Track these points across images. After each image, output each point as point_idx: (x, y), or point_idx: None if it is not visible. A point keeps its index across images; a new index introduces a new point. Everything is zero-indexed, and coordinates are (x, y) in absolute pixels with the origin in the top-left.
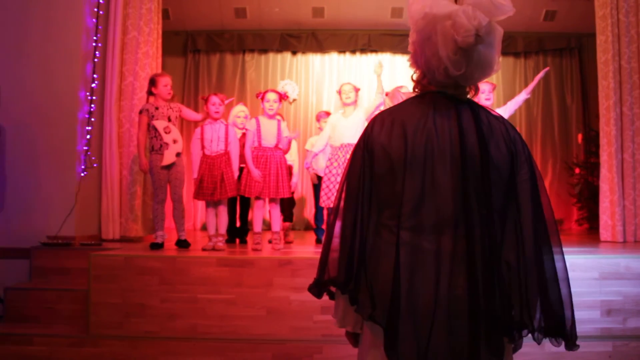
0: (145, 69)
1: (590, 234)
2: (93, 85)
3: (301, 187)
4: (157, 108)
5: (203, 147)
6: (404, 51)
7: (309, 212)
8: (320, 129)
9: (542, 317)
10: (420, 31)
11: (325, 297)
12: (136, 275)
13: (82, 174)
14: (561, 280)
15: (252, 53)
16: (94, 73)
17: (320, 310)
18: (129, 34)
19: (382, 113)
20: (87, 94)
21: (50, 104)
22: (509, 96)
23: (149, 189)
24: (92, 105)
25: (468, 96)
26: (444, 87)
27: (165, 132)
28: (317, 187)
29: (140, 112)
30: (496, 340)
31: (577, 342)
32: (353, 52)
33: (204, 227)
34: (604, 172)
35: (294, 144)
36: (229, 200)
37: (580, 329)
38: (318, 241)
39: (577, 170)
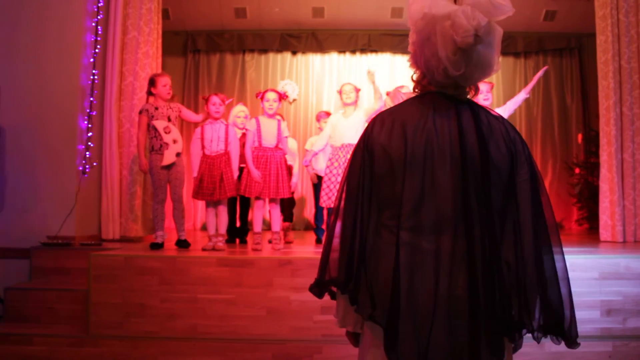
0: (145, 69)
1: (590, 234)
2: (93, 85)
3: (301, 187)
4: (156, 108)
5: (203, 147)
6: (404, 51)
7: (309, 212)
8: (320, 129)
9: (542, 316)
10: (420, 31)
11: (326, 297)
12: (136, 275)
13: (82, 174)
14: (561, 279)
15: (252, 53)
16: (94, 73)
17: (320, 310)
18: (129, 34)
19: (382, 113)
20: (87, 94)
21: (50, 104)
22: (509, 96)
23: (149, 189)
24: (92, 105)
25: (468, 96)
26: (444, 88)
27: (165, 132)
28: (317, 187)
29: (140, 112)
30: (496, 340)
31: (577, 341)
32: (353, 52)
33: (204, 227)
34: (603, 172)
35: (294, 145)
36: (229, 200)
37: (580, 329)
38: (318, 241)
39: (577, 170)
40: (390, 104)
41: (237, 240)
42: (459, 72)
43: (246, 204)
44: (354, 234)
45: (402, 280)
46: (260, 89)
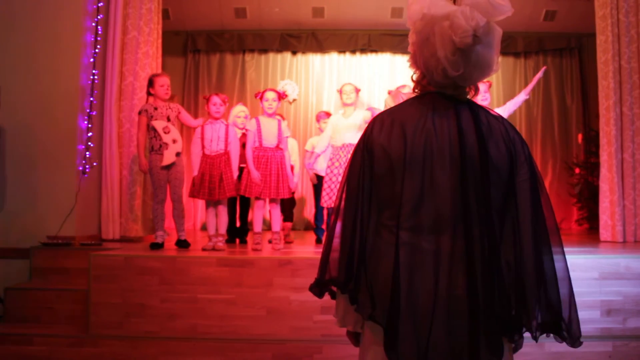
0: (145, 69)
1: (590, 234)
2: (93, 85)
3: (301, 187)
4: (156, 108)
5: (203, 147)
6: (404, 51)
7: (309, 212)
8: (320, 129)
9: (540, 316)
10: (419, 32)
11: (326, 297)
12: (136, 275)
13: (82, 174)
14: (561, 279)
15: (252, 53)
16: (93, 73)
17: (320, 310)
18: (129, 34)
19: (382, 113)
20: (87, 94)
21: (50, 104)
22: (509, 96)
23: (149, 189)
24: (92, 105)
25: (468, 96)
26: (443, 88)
27: (165, 132)
28: (317, 187)
29: (140, 112)
30: (495, 339)
31: (580, 340)
32: (353, 52)
33: (204, 227)
34: (604, 172)
35: (294, 145)
36: (229, 200)
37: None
38: (318, 241)
39: (577, 170)
40: (390, 103)
41: (237, 240)
42: (458, 72)
43: (246, 204)
44: (354, 234)
45: (401, 280)
46: (260, 89)
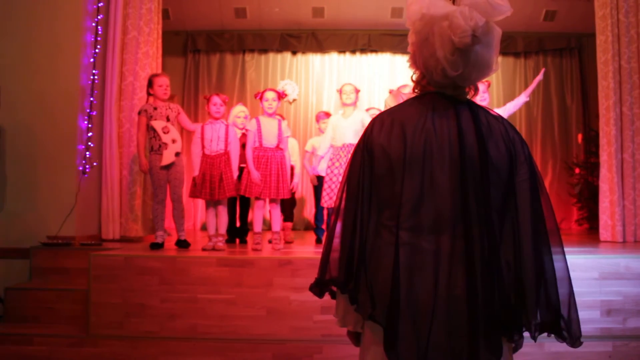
0: (145, 69)
1: (590, 234)
2: (93, 85)
3: (301, 187)
4: (155, 108)
5: (203, 147)
6: (404, 51)
7: (309, 212)
8: (320, 129)
9: (540, 316)
10: (418, 32)
11: (326, 297)
12: (136, 275)
13: (82, 174)
14: (561, 279)
15: (252, 53)
16: (94, 73)
17: (320, 310)
18: (129, 34)
19: (382, 114)
20: (87, 94)
21: (50, 104)
22: (508, 96)
23: (149, 189)
24: (92, 105)
25: (467, 96)
26: (443, 88)
27: (164, 132)
28: (317, 187)
29: (139, 112)
30: (495, 339)
31: (580, 340)
32: (353, 52)
33: (204, 227)
34: (603, 172)
35: (295, 145)
36: (228, 200)
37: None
38: (318, 241)
39: (577, 170)
40: (390, 103)
41: (237, 240)
42: (457, 72)
43: (246, 204)
44: (354, 234)
45: (401, 280)
46: (260, 89)
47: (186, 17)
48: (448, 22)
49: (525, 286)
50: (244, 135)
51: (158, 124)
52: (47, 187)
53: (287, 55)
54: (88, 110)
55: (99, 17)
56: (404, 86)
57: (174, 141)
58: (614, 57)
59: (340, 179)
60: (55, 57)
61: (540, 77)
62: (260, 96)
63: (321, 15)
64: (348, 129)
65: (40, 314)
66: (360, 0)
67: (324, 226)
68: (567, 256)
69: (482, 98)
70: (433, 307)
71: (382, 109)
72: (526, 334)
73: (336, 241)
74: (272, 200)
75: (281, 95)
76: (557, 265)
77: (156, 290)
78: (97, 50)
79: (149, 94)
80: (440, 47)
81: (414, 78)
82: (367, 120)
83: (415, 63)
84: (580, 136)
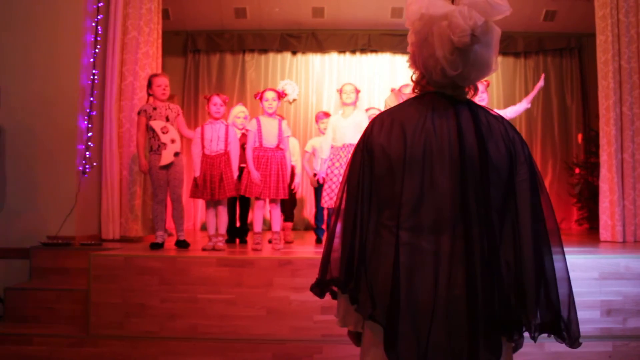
0: (145, 69)
1: (590, 234)
2: (93, 85)
3: (301, 187)
4: (155, 108)
5: (203, 147)
6: (403, 51)
7: (309, 212)
8: (320, 130)
9: (540, 316)
10: (418, 32)
11: (326, 297)
12: (136, 275)
13: (82, 174)
14: (560, 279)
15: (252, 53)
16: (94, 73)
17: (320, 310)
18: (129, 34)
19: (382, 114)
20: (87, 94)
21: (50, 104)
22: (508, 96)
23: (149, 189)
24: (92, 105)
25: (467, 96)
26: (443, 88)
27: (163, 132)
28: (317, 187)
29: (139, 113)
30: (495, 339)
31: (579, 341)
32: (353, 52)
33: (204, 227)
34: (603, 172)
35: (296, 145)
36: (228, 200)
37: (580, 328)
38: (318, 241)
39: (577, 170)
40: (390, 103)
41: (237, 240)
42: (456, 72)
43: (246, 204)
44: (354, 234)
45: (401, 280)
46: (260, 89)
47: (186, 17)
48: (447, 21)
49: (525, 286)
50: (243, 136)
51: (157, 124)
52: (47, 187)
53: (287, 55)
54: (88, 110)
55: (99, 17)
56: (406, 86)
57: (173, 141)
58: (614, 57)
59: (340, 179)
60: (55, 57)
61: (541, 83)
62: (260, 96)
63: (321, 15)
64: (348, 128)
65: (40, 314)
66: (360, 0)
67: (324, 226)
68: (567, 256)
69: (480, 98)
70: (433, 307)
71: (382, 108)
72: (526, 334)
73: (336, 241)
74: (272, 201)
75: (281, 95)
76: (557, 265)
77: (156, 290)
78: (97, 50)
79: (148, 94)
80: (439, 47)
81: (413, 78)
82: (367, 121)
83: (414, 63)
84: (580, 136)
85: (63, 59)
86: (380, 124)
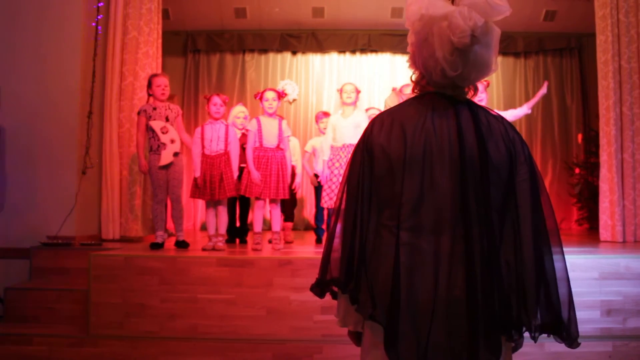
0: (145, 69)
1: (590, 234)
2: (93, 85)
3: (301, 188)
4: (154, 108)
5: (203, 147)
6: (403, 51)
7: (309, 212)
8: (320, 130)
9: (540, 316)
10: (418, 32)
11: (326, 297)
12: (136, 275)
13: (82, 174)
14: (560, 279)
15: (252, 53)
16: (94, 73)
17: (320, 310)
18: (129, 34)
19: (382, 114)
20: (87, 94)
21: (50, 104)
22: (508, 96)
23: (149, 189)
24: (92, 106)
25: (467, 96)
26: (442, 88)
27: (162, 132)
28: (317, 187)
29: (138, 112)
30: (494, 339)
31: (578, 341)
32: (353, 52)
33: (204, 227)
34: (603, 172)
35: (296, 144)
36: (228, 200)
37: (580, 329)
38: (318, 241)
39: (577, 170)
40: (390, 104)
41: (237, 240)
42: (456, 72)
43: (246, 204)
44: (354, 234)
45: (402, 280)
46: (260, 89)
47: (186, 17)
48: (447, 22)
49: (526, 286)
50: (243, 135)
51: (157, 124)
52: (47, 187)
53: (287, 55)
54: (88, 110)
55: (99, 17)
56: (407, 85)
57: (172, 141)
58: (614, 57)
59: (340, 179)
60: (55, 57)
61: (543, 90)
62: (260, 96)
63: (321, 15)
64: (348, 128)
65: (40, 314)
66: (360, 0)
67: (324, 226)
68: (567, 256)
69: (479, 98)
70: (433, 307)
71: (382, 109)
72: (526, 334)
73: (336, 241)
74: (272, 201)
75: (281, 95)
76: (557, 265)
77: (156, 290)
78: (97, 51)
79: (148, 94)
80: (439, 48)
81: (413, 78)
82: (367, 121)
83: (414, 63)
84: (580, 136)
85: (63, 58)
86: (380, 124)
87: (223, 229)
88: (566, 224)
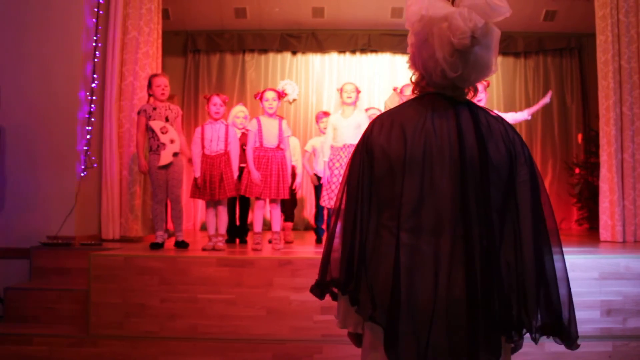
0: (145, 69)
1: (590, 234)
2: (93, 85)
3: (301, 188)
4: (154, 108)
5: (203, 147)
6: (403, 51)
7: (309, 212)
8: (320, 129)
9: (541, 317)
10: (418, 33)
11: (326, 297)
12: (136, 275)
13: (82, 174)
14: (560, 280)
15: (252, 53)
16: (94, 73)
17: (320, 310)
18: (129, 34)
19: (381, 115)
20: (87, 94)
21: (50, 104)
22: (508, 97)
23: (148, 189)
24: (92, 105)
25: (467, 97)
26: (442, 89)
27: (162, 133)
28: (317, 187)
29: (138, 112)
30: (494, 340)
31: (577, 342)
32: (353, 52)
33: (204, 227)
34: (603, 172)
35: (297, 144)
36: (228, 200)
37: (580, 329)
38: (318, 241)
39: (577, 170)
40: (390, 104)
41: (237, 240)
42: (456, 73)
43: (246, 204)
44: (354, 235)
45: (402, 281)
46: (260, 89)
47: (186, 17)
48: (447, 23)
49: (526, 286)
50: (243, 135)
51: (156, 124)
52: (47, 187)
53: (287, 55)
54: (88, 110)
55: (99, 16)
56: (407, 86)
57: (172, 141)
58: (614, 57)
59: (340, 179)
60: (55, 57)
61: (546, 100)
62: (260, 96)
63: (321, 15)
64: (348, 128)
65: (40, 314)
66: (360, 0)
67: (324, 226)
68: (567, 256)
69: (478, 98)
70: (433, 307)
71: (382, 109)
72: (526, 335)
73: (336, 241)
74: (272, 201)
75: (281, 95)
76: (557, 265)
77: (156, 290)
78: (97, 51)
79: (148, 94)
80: (439, 49)
81: (413, 79)
82: (367, 121)
83: (414, 64)
84: (580, 136)
85: (63, 58)
86: (380, 124)
87: (223, 229)
88: (566, 224)
